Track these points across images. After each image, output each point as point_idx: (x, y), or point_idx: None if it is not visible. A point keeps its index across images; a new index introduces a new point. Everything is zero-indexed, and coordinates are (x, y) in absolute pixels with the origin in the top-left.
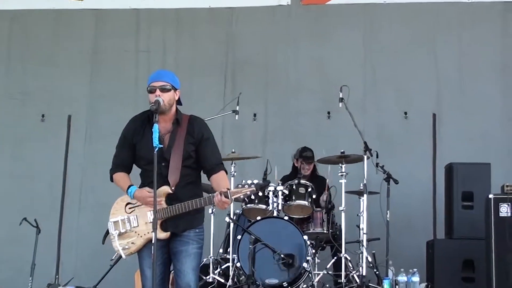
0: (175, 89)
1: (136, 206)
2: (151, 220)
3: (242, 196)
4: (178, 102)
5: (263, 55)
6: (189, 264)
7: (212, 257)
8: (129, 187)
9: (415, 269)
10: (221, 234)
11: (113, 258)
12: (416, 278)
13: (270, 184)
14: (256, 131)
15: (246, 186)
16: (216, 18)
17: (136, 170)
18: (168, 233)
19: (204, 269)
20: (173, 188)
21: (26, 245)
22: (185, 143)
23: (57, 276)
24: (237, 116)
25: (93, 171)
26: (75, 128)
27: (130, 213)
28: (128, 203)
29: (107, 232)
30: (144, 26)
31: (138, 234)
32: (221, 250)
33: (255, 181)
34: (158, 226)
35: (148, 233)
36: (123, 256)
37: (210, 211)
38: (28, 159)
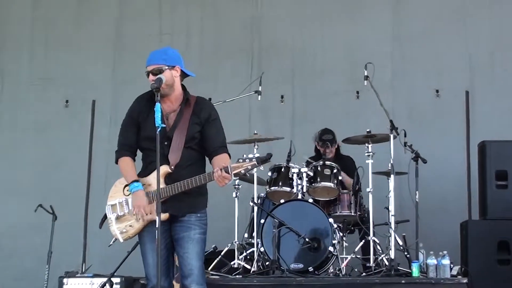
0: (172, 67)
1: None
2: (150, 202)
3: (243, 171)
4: (183, 76)
5: (289, 36)
6: (192, 250)
7: (237, 242)
8: (133, 181)
9: (445, 252)
10: (246, 218)
11: (110, 243)
12: (446, 261)
13: (294, 166)
14: (284, 113)
15: (247, 160)
16: None
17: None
18: (167, 215)
19: (229, 255)
20: (172, 167)
21: (50, 233)
22: (190, 124)
23: (84, 264)
24: (259, 96)
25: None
26: (100, 113)
27: (129, 195)
28: (126, 185)
29: (105, 216)
30: (167, 9)
31: (136, 218)
32: (246, 235)
33: (256, 155)
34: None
35: (146, 215)
36: (121, 240)
37: (234, 194)
38: (52, 146)
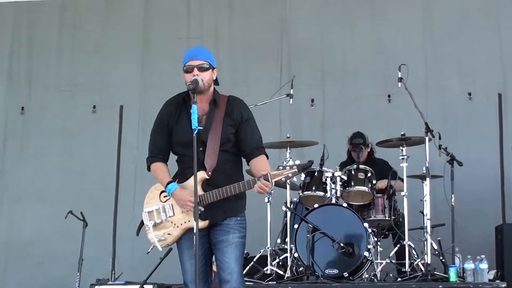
0: (213, 68)
1: None
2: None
3: (283, 179)
4: (216, 82)
5: (318, 39)
6: (231, 254)
7: (270, 248)
8: (169, 183)
9: (482, 256)
10: (278, 224)
11: (149, 250)
12: (484, 265)
13: (327, 170)
14: (314, 117)
15: (288, 167)
16: (269, 1)
17: (172, 158)
18: (207, 222)
19: (262, 261)
20: (209, 173)
21: (79, 240)
22: (223, 125)
23: (113, 271)
24: (291, 100)
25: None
26: (128, 119)
27: (165, 201)
28: (162, 191)
29: (142, 223)
30: (196, 12)
31: (175, 224)
32: (278, 241)
33: (297, 162)
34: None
35: (185, 222)
36: (159, 248)
37: (266, 200)
38: (80, 152)
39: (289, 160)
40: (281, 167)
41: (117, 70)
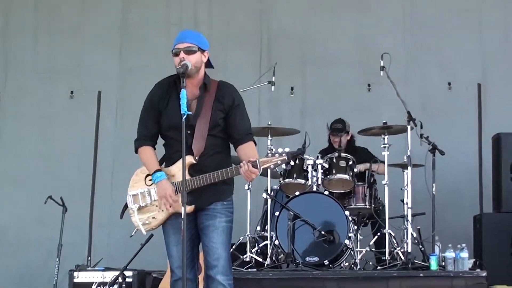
0: (203, 51)
1: None
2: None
3: (272, 166)
4: (209, 65)
5: (299, 26)
6: (217, 239)
7: (249, 235)
8: (156, 171)
9: (463, 245)
10: (258, 211)
11: (132, 234)
12: (465, 254)
13: (308, 157)
14: (294, 105)
15: (277, 155)
16: None
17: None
18: (193, 207)
19: (241, 248)
20: (196, 158)
21: (56, 226)
22: (213, 110)
23: (89, 258)
24: (273, 87)
25: (124, 149)
26: (106, 105)
27: (151, 185)
28: (148, 175)
29: (126, 206)
30: None
31: (160, 208)
32: (258, 228)
33: (286, 149)
34: (180, 199)
35: (170, 206)
36: (143, 231)
37: (246, 187)
38: (57, 138)
39: (270, 147)
40: (270, 154)
41: (95, 55)
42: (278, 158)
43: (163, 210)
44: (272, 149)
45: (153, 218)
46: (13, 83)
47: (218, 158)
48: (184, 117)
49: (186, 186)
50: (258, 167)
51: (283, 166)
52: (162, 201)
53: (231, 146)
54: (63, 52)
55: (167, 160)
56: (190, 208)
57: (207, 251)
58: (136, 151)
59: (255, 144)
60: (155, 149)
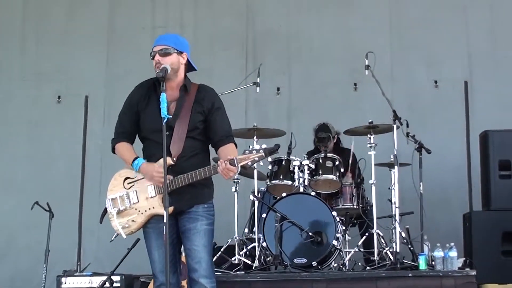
0: (180, 52)
1: (135, 181)
2: (152, 195)
3: (250, 163)
4: (190, 68)
5: (285, 26)
6: (198, 242)
7: (237, 238)
8: (135, 159)
9: (452, 244)
10: (245, 213)
11: (112, 239)
12: (453, 253)
13: (295, 158)
14: (280, 106)
15: (254, 151)
16: None
17: (139, 146)
18: (172, 208)
19: (229, 251)
20: (174, 159)
21: (45, 231)
22: (192, 112)
23: (78, 263)
24: (258, 88)
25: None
26: (93, 109)
27: (129, 188)
28: (126, 178)
29: (105, 211)
30: (161, 1)
31: (139, 211)
32: (246, 230)
33: (263, 146)
34: (160, 202)
35: (149, 209)
36: (123, 235)
37: (233, 189)
38: (45, 142)
39: (255, 145)
40: (247, 151)
41: (82, 60)
42: (255, 155)
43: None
44: (249, 147)
45: (132, 221)
46: (1, 88)
47: (197, 159)
48: (164, 121)
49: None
50: (236, 165)
51: (261, 163)
52: (154, 179)
53: (211, 148)
54: (50, 56)
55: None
56: (170, 209)
57: (189, 254)
58: (113, 150)
59: (236, 146)
60: (132, 145)
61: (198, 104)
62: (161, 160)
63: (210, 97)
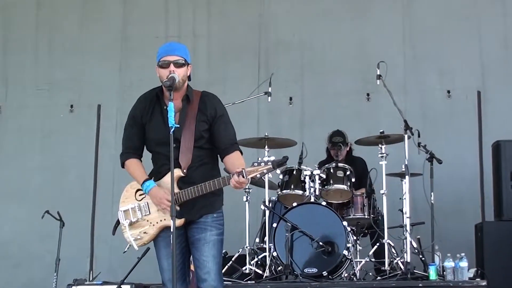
0: (188, 64)
1: None
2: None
3: (258, 175)
4: (188, 77)
5: (297, 36)
6: (208, 252)
7: (249, 247)
8: (146, 180)
9: (462, 254)
10: (257, 223)
11: (125, 250)
12: (464, 263)
13: (306, 168)
14: (293, 115)
15: (262, 163)
16: None
17: (147, 156)
18: (183, 220)
19: (240, 260)
20: (185, 170)
21: (57, 240)
22: (196, 122)
23: (91, 271)
24: (269, 98)
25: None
26: (106, 118)
27: (141, 200)
28: (138, 190)
29: (118, 222)
30: (174, 10)
31: (151, 223)
32: (257, 240)
33: (272, 158)
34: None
35: (161, 221)
36: (136, 247)
37: (244, 198)
38: (58, 151)
39: (265, 156)
40: (256, 163)
41: (95, 69)
42: (263, 167)
43: (163, 209)
44: (258, 159)
45: (144, 233)
46: (14, 98)
47: (205, 169)
48: (172, 130)
49: (177, 200)
50: (245, 177)
51: (270, 174)
52: (161, 206)
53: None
54: (63, 66)
55: (155, 174)
56: (180, 222)
57: (198, 264)
58: (123, 165)
59: (241, 153)
60: (141, 161)
61: (201, 112)
62: (169, 178)
63: (212, 104)
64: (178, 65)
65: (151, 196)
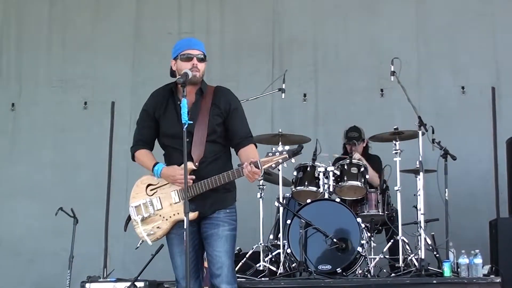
0: (206, 60)
1: (158, 187)
2: (176, 201)
3: (274, 165)
4: None
5: (311, 32)
6: (221, 248)
7: (262, 244)
8: (155, 164)
9: (477, 250)
10: (271, 219)
11: (137, 246)
12: (478, 260)
13: (320, 165)
14: (307, 112)
15: (277, 153)
16: None
17: (159, 152)
18: (196, 213)
19: (254, 257)
20: (196, 164)
21: (71, 237)
22: (210, 116)
23: (105, 268)
24: (283, 94)
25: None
26: (119, 115)
27: (152, 195)
28: (148, 185)
29: (129, 218)
30: (187, 6)
31: (163, 217)
32: (271, 236)
33: (287, 147)
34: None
35: (174, 215)
36: (149, 242)
37: (258, 195)
38: (71, 148)
39: (279, 147)
40: (270, 154)
41: (108, 66)
42: (279, 157)
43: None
44: (272, 149)
45: (157, 228)
46: (28, 95)
47: (219, 163)
48: (185, 126)
49: (189, 193)
50: (260, 167)
51: (285, 164)
52: (177, 182)
53: (232, 150)
54: (77, 63)
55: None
56: (194, 215)
57: (211, 260)
58: (133, 158)
59: (256, 146)
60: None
61: (215, 106)
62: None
63: (226, 98)
64: (201, 60)
65: (164, 177)
